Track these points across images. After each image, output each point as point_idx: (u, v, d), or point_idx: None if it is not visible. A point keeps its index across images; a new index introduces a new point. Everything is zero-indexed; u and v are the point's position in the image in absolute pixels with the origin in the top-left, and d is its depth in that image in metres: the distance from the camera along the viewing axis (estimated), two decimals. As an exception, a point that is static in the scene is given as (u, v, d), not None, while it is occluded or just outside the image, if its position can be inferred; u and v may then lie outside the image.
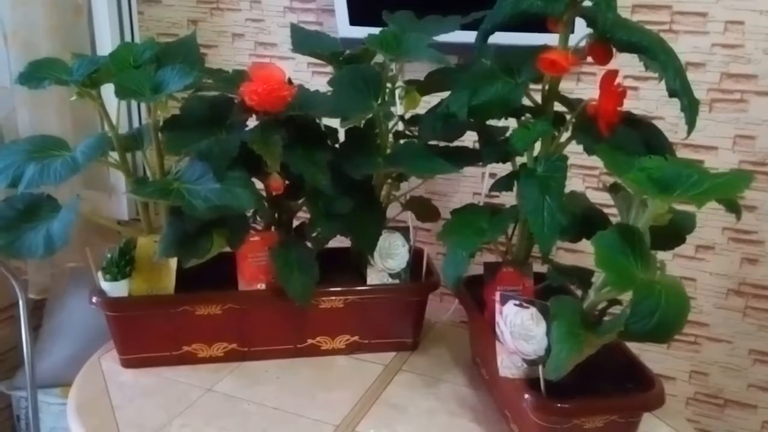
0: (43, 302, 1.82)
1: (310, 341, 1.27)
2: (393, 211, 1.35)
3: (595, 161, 1.07)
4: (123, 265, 1.18)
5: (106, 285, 1.18)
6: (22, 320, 1.59)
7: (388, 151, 1.24)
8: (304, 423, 1.10)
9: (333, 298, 1.24)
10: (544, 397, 0.95)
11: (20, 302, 1.58)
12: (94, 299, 1.19)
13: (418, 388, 1.20)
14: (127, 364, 1.23)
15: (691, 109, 0.97)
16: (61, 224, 1.10)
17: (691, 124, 0.98)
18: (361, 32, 1.19)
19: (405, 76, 1.27)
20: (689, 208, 0.96)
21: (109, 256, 1.18)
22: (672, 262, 1.44)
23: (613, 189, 1.04)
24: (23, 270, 1.65)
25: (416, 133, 1.26)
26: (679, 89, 0.96)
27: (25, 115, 1.59)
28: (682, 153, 1.34)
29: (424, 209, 1.35)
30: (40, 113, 1.59)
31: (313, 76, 1.68)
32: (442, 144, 1.21)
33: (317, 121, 1.24)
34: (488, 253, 1.40)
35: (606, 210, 1.15)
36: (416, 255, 1.28)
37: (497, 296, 1.02)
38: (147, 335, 1.22)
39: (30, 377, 1.63)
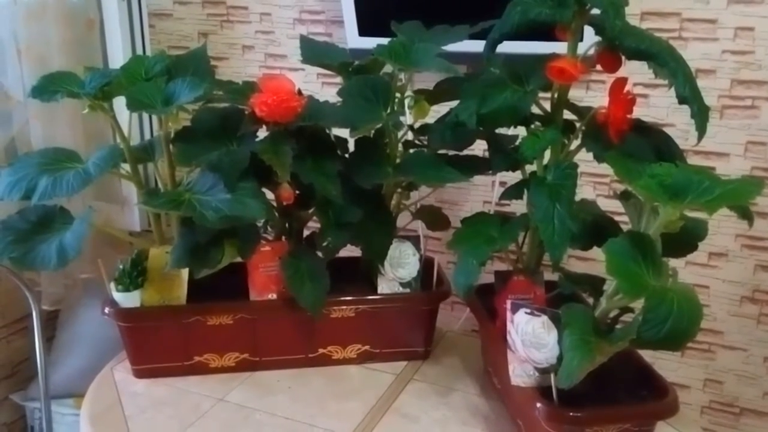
0: (57, 313, 1.84)
1: (321, 351, 1.27)
2: (403, 220, 1.35)
3: (606, 169, 1.06)
4: (135, 275, 1.19)
5: (118, 296, 1.19)
6: (35, 331, 1.60)
7: (398, 160, 1.24)
8: (316, 433, 1.10)
9: (344, 307, 1.24)
10: (557, 405, 0.94)
11: (34, 313, 1.59)
12: (106, 310, 1.19)
13: (430, 397, 1.20)
14: (140, 374, 1.24)
15: (701, 115, 0.97)
16: (73, 236, 1.11)
17: (701, 130, 0.98)
18: (370, 43, 1.20)
19: (414, 85, 1.28)
20: (701, 214, 0.96)
21: (121, 267, 1.19)
22: (684, 270, 1.43)
23: (624, 196, 1.04)
24: (36, 281, 1.66)
25: (426, 143, 1.26)
26: (689, 96, 0.96)
27: (38, 128, 1.60)
28: (693, 160, 1.34)
29: (434, 218, 1.35)
30: (53, 126, 1.61)
31: (322, 87, 1.69)
32: (451, 153, 1.21)
33: (327, 131, 1.24)
34: (499, 261, 1.40)
35: (617, 217, 1.15)
36: (427, 264, 1.28)
37: (508, 305, 1.02)
38: (159, 346, 1.22)
39: (44, 388, 1.64)
